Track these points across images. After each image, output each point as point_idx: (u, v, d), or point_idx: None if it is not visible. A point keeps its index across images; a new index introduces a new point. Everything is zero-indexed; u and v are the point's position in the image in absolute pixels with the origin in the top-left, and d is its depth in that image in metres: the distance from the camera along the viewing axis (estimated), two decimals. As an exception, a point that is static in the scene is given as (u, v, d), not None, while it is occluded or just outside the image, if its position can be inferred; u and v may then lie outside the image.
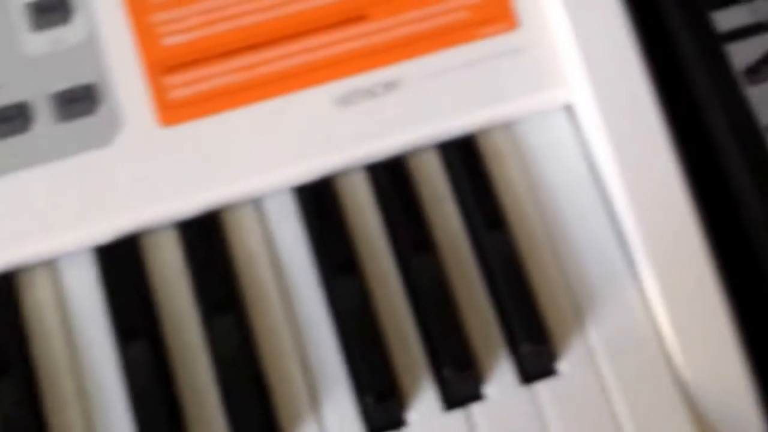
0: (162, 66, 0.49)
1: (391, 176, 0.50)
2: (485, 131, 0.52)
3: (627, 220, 0.49)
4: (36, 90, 0.49)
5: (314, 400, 0.47)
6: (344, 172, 0.50)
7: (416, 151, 0.51)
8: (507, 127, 0.52)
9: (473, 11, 0.51)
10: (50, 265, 0.49)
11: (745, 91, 0.50)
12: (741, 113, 0.50)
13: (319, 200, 0.49)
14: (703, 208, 0.49)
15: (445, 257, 0.49)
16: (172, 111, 0.48)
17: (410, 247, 0.49)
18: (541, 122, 0.52)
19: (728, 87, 0.50)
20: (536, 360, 0.47)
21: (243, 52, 0.49)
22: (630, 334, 0.48)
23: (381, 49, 0.50)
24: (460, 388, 0.47)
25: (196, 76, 0.49)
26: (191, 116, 0.49)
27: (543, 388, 0.48)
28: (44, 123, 0.48)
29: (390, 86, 0.50)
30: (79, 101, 0.48)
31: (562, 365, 0.48)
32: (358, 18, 0.50)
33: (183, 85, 0.49)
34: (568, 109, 0.52)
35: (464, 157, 0.51)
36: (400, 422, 0.47)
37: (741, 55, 0.51)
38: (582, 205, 0.51)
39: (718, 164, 0.50)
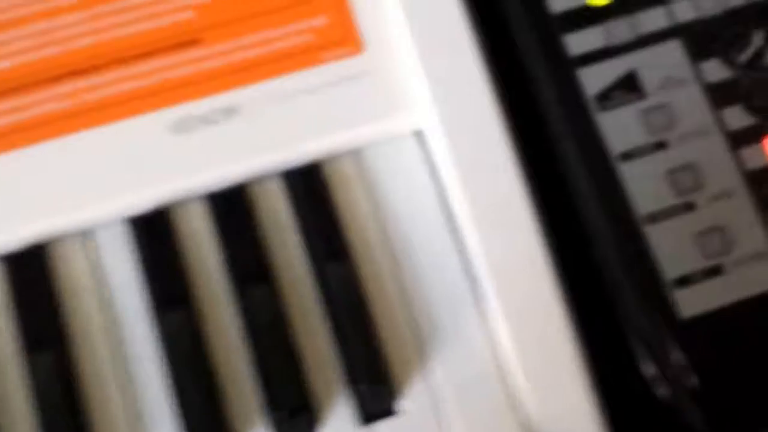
0: (-20, 93, 0.47)
1: (231, 205, 0.48)
2: (332, 158, 0.50)
3: (475, 253, 0.47)
4: None
5: (140, 442, 0.45)
6: (182, 202, 0.48)
7: (260, 179, 0.49)
8: (355, 153, 0.50)
9: (316, 35, 0.49)
10: None
11: (596, 118, 0.48)
12: (592, 141, 0.48)
13: (153, 231, 0.47)
14: (554, 240, 0.48)
15: (286, 290, 0.47)
16: (-7, 140, 0.46)
17: (246, 279, 0.47)
18: (390, 148, 0.50)
19: (579, 114, 0.48)
20: (375, 400, 0.45)
21: (70, 78, 0.47)
22: (476, 372, 0.47)
23: (218, 74, 0.48)
24: (295, 430, 0.45)
25: (18, 103, 0.46)
26: (13, 145, 0.46)
27: (383, 428, 0.46)
28: None
29: (229, 113, 0.48)
30: None
31: (405, 404, 0.46)
32: (192, 42, 0.48)
33: (4, 113, 0.46)
34: (419, 135, 0.50)
35: (308, 185, 0.49)
36: (230, 465, 0.45)
37: (593, 80, 0.49)
38: (431, 237, 0.49)
39: (569, 194, 0.49)
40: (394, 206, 0.49)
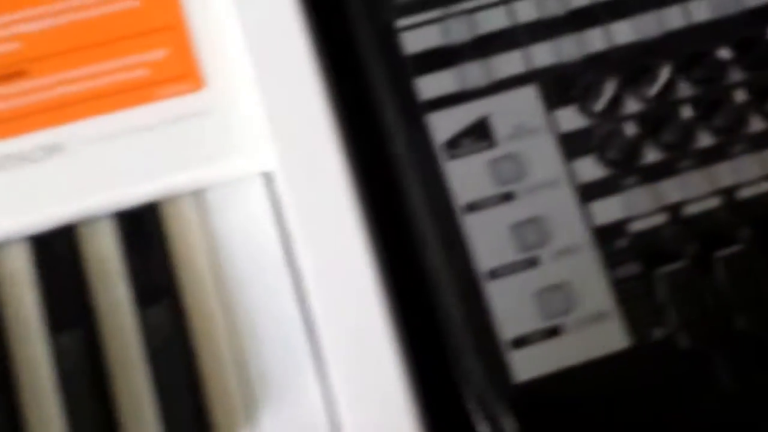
0: None
1: (53, 247, 0.45)
2: (171, 199, 0.47)
3: (313, 305, 0.45)
4: None
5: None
6: (1, 244, 0.46)
7: (91, 220, 0.47)
8: (196, 194, 0.48)
9: (154, 69, 0.46)
10: None
11: (443, 166, 0.46)
12: (438, 191, 0.46)
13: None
14: (395, 293, 0.46)
15: (107, 338, 0.45)
16: None
17: (59, 325, 0.44)
18: (235, 190, 0.48)
19: (427, 161, 0.46)
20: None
21: None
22: (306, 428, 0.45)
23: (42, 109, 0.45)
24: (108, 489, 0.43)
25: None
26: None
27: (203, 488, 0.44)
28: None
29: (52, 151, 0.45)
30: None
31: (229, 462, 0.44)
32: (16, 75, 0.45)
33: None
34: (267, 177, 0.48)
35: (140, 227, 0.46)
36: None
37: (443, 126, 0.47)
38: (270, 285, 0.47)
39: (414, 245, 0.46)
40: (235, 251, 0.47)
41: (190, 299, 0.46)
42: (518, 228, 0.45)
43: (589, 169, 0.46)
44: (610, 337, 0.44)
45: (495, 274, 0.45)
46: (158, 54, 0.47)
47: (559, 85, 0.47)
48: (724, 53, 0.47)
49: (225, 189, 0.48)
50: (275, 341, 0.46)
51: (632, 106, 0.47)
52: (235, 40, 0.47)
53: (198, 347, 0.45)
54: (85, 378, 0.43)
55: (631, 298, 0.45)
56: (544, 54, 0.48)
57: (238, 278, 0.47)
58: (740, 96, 0.47)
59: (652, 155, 0.47)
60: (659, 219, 0.46)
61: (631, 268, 0.45)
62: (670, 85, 0.47)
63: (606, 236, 0.45)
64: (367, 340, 0.45)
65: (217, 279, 0.46)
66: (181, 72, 0.47)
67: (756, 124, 0.47)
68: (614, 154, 0.46)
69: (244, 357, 0.46)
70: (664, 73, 0.46)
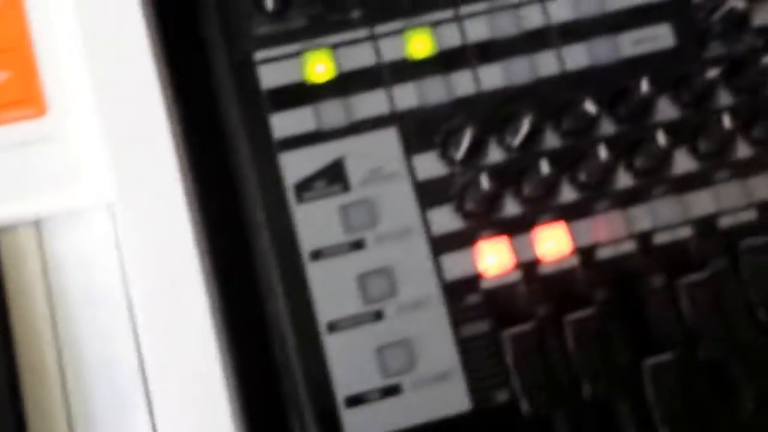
0: None
1: None
2: (8, 228, 0.45)
3: (146, 346, 0.43)
4: None
5: None
6: None
7: None
8: (36, 224, 0.45)
9: (-8, 92, 0.44)
10: None
11: (292, 210, 0.44)
12: (285, 236, 0.44)
13: None
14: (233, 340, 0.44)
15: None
16: None
17: None
18: (76, 221, 0.46)
19: (276, 204, 0.44)
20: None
21: None
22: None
23: None
24: None
25: None
26: None
27: None
28: None
29: None
30: None
31: None
32: None
33: None
34: (112, 209, 0.46)
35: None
36: None
37: (295, 166, 0.45)
38: (105, 322, 0.44)
39: (257, 292, 0.45)
40: (72, 285, 0.45)
41: (19, 333, 0.44)
42: (365, 279, 0.43)
43: (445, 219, 0.45)
44: (451, 398, 0.42)
45: (335, 326, 0.43)
46: (0, 76, 0.44)
47: (420, 130, 0.46)
48: (594, 104, 0.45)
49: (67, 219, 0.46)
50: (104, 381, 0.44)
51: (495, 155, 0.46)
52: (80, 65, 0.44)
53: (23, 378, 0.43)
54: None
55: (476, 358, 0.43)
56: (407, 96, 0.46)
57: (72, 313, 0.45)
58: (607, 150, 0.45)
59: (510, 208, 0.45)
60: (513, 276, 0.44)
61: (479, 327, 0.43)
62: (535, 135, 0.46)
63: (456, 292, 0.44)
64: (200, 385, 0.43)
65: (50, 312, 0.44)
66: (23, 96, 0.44)
67: (622, 180, 0.46)
68: (472, 206, 0.45)
69: (71, 393, 0.44)
70: (526, 123, 0.44)
